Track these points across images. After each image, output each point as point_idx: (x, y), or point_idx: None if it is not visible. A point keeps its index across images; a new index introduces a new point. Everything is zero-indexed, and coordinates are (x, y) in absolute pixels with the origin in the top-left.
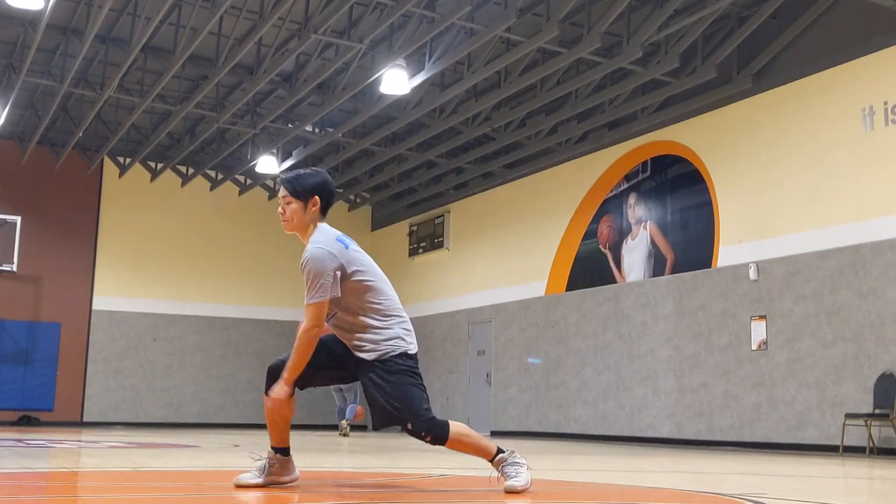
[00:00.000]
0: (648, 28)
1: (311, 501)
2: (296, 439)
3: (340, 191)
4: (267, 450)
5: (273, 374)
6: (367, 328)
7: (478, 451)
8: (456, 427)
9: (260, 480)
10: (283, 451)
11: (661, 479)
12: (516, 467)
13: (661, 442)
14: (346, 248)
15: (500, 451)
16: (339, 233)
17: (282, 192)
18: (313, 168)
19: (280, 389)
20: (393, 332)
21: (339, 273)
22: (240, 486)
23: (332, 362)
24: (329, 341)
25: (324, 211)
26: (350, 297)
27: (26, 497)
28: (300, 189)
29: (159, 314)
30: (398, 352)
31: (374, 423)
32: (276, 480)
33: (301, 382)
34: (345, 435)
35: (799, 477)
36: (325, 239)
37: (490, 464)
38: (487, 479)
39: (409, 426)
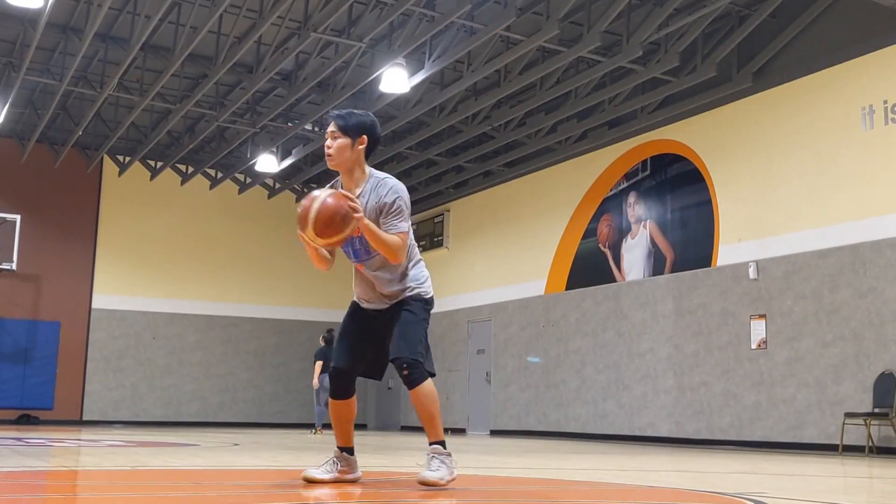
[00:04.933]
0: (648, 27)
1: (309, 500)
2: (296, 438)
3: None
4: (334, 449)
5: (337, 379)
6: (408, 268)
7: (432, 424)
8: (434, 392)
9: (329, 476)
10: (348, 450)
11: (660, 478)
12: (443, 464)
13: (661, 441)
14: None
15: (443, 444)
16: None
17: (331, 126)
18: (363, 110)
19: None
20: (426, 275)
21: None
22: (309, 481)
23: (380, 351)
24: (362, 335)
25: (367, 155)
26: None
27: (26, 496)
28: (351, 125)
29: (159, 313)
30: (429, 295)
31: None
32: (341, 478)
33: (365, 370)
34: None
35: (798, 476)
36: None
37: (428, 445)
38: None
39: (399, 355)
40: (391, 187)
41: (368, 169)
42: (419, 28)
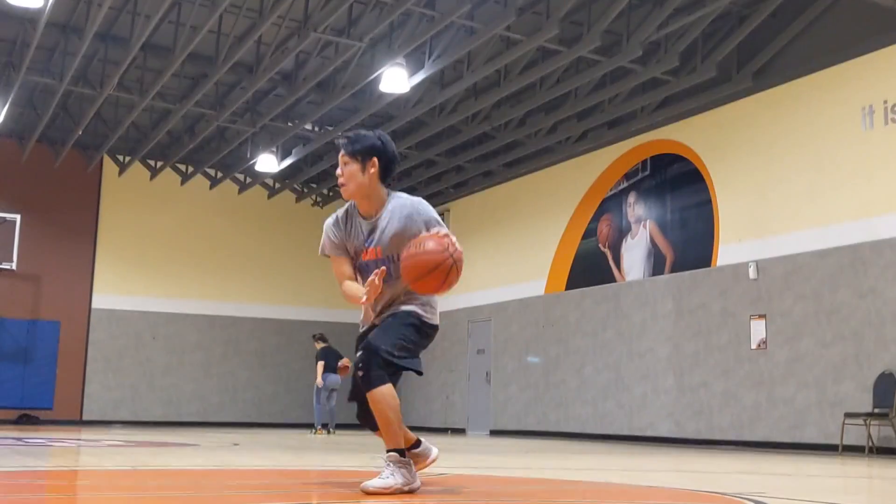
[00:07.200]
0: (648, 27)
1: (310, 500)
2: (296, 438)
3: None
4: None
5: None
6: (417, 298)
7: (388, 430)
8: (392, 396)
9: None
10: (413, 446)
11: (660, 478)
12: (395, 473)
13: (661, 441)
14: None
15: (402, 453)
16: None
17: (340, 152)
18: (374, 130)
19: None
20: (434, 305)
21: None
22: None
23: None
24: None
25: (383, 177)
26: None
27: (26, 496)
28: (359, 149)
29: (159, 312)
30: (432, 322)
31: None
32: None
33: None
34: (318, 434)
35: (798, 476)
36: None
37: (385, 452)
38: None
39: (368, 345)
40: (415, 204)
41: (387, 192)
42: (419, 28)
